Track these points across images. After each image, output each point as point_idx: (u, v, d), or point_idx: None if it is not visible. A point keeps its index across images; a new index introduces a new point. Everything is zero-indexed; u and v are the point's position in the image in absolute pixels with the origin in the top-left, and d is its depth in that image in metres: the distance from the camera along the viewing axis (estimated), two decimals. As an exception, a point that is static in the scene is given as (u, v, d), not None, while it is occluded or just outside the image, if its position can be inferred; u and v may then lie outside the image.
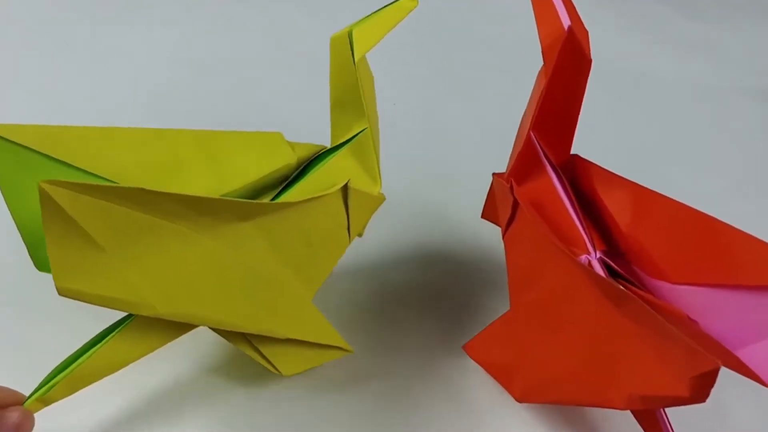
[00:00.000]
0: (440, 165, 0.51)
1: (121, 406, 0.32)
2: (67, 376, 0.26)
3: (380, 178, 0.34)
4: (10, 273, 0.36)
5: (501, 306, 0.38)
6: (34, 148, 0.27)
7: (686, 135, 0.58)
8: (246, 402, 0.32)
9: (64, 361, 0.27)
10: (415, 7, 0.32)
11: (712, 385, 0.23)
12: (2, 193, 0.27)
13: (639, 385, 0.26)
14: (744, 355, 0.27)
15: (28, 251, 0.28)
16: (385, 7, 0.32)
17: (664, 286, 0.31)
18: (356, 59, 0.31)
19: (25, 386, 0.27)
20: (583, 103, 0.61)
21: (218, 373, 0.34)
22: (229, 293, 0.27)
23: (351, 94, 0.32)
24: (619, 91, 0.63)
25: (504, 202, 0.34)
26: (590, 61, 0.33)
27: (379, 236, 0.43)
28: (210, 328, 0.29)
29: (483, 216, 0.40)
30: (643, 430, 0.32)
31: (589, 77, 0.67)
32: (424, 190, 0.48)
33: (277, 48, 0.65)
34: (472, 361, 0.35)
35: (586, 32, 0.33)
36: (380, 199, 0.34)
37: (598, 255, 0.32)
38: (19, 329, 0.35)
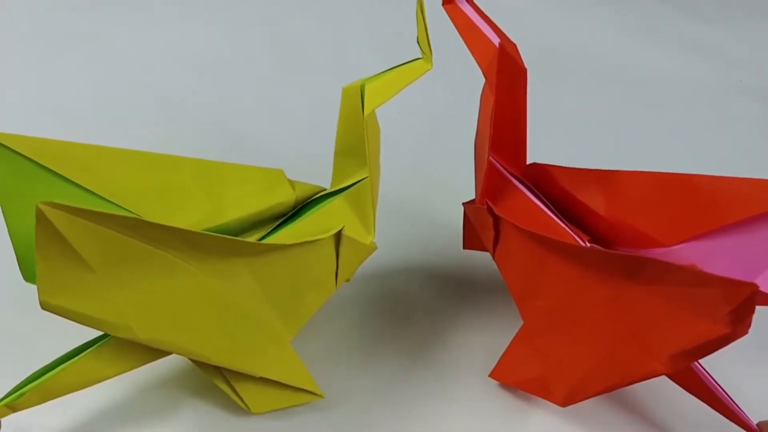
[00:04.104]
0: (443, 172, 0.51)
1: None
2: (37, 387, 0.27)
3: (374, 228, 0.34)
4: (11, 269, 0.35)
5: (492, 320, 0.39)
6: (36, 160, 0.27)
7: (686, 135, 0.59)
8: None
9: (39, 370, 0.28)
10: (429, 70, 0.33)
11: (752, 312, 0.23)
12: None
13: (677, 343, 0.26)
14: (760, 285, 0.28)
15: (18, 261, 0.28)
16: (399, 65, 0.33)
17: (660, 253, 0.31)
18: (365, 113, 0.31)
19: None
20: (583, 103, 0.61)
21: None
22: (210, 326, 0.28)
23: (356, 144, 0.32)
24: (619, 91, 0.63)
25: (484, 225, 0.34)
26: (525, 70, 0.34)
27: (380, 246, 0.43)
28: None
29: (465, 247, 0.40)
30: (686, 390, 0.31)
31: (590, 77, 0.67)
32: (424, 198, 0.48)
33: (277, 49, 0.65)
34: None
35: (514, 45, 0.34)
36: (371, 248, 0.34)
37: (588, 245, 0.32)
38: (20, 326, 0.35)
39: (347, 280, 0.36)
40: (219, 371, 0.30)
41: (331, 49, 0.65)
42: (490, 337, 0.37)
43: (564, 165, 0.35)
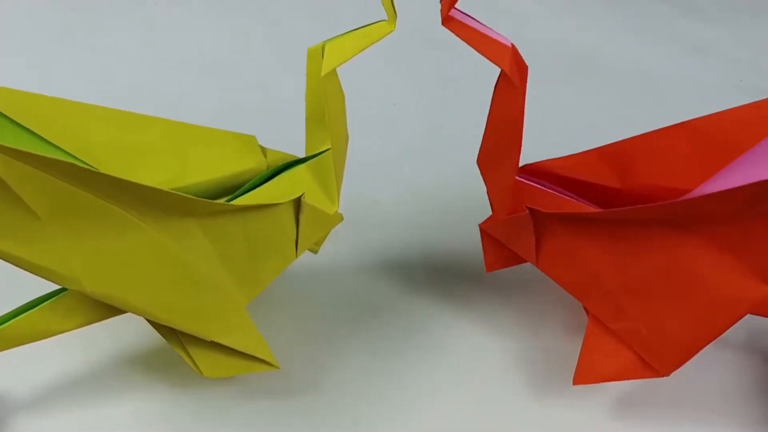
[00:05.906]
0: (441, 167, 0.51)
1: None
2: None
3: (338, 198, 0.34)
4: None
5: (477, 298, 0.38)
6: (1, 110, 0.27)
7: (686, 135, 0.58)
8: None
9: None
10: (391, 31, 0.32)
11: None
12: None
13: None
14: None
15: None
16: (363, 26, 0.32)
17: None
18: (323, 72, 0.31)
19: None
20: (584, 103, 0.61)
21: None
22: (162, 285, 0.27)
23: (319, 109, 0.32)
24: (619, 91, 0.63)
25: (521, 234, 0.32)
26: (527, 67, 0.33)
27: (378, 240, 0.43)
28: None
29: (489, 270, 0.37)
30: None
31: (590, 77, 0.67)
32: (423, 194, 0.48)
33: (277, 49, 0.65)
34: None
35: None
36: (337, 218, 0.34)
37: None
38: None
39: (314, 252, 0.36)
40: (174, 333, 0.29)
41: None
42: (469, 331, 0.37)
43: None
